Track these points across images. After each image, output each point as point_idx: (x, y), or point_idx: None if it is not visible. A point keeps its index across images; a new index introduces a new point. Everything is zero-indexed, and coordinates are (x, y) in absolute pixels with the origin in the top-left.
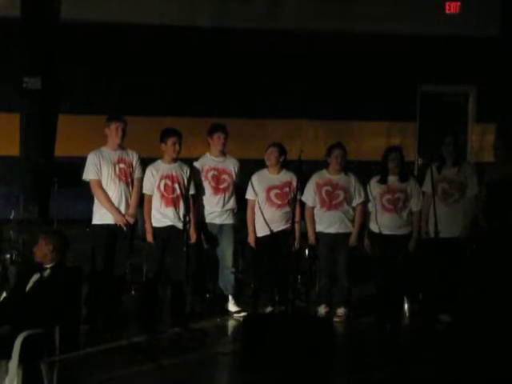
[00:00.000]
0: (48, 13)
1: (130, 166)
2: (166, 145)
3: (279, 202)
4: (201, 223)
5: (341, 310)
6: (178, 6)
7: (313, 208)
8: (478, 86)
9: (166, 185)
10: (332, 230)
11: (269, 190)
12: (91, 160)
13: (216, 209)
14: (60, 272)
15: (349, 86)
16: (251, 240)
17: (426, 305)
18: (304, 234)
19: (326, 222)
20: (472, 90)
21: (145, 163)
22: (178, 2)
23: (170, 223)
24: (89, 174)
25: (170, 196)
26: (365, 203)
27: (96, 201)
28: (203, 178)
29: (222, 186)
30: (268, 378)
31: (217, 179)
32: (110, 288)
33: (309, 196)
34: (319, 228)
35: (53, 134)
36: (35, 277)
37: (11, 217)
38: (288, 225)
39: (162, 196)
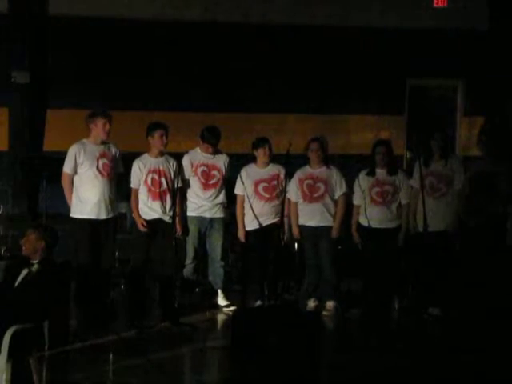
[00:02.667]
0: (36, 7)
1: (112, 160)
2: (153, 138)
3: (267, 196)
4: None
5: (330, 304)
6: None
7: (296, 203)
8: (466, 79)
9: (153, 179)
10: (312, 222)
11: (257, 183)
12: (72, 153)
13: (205, 203)
14: (49, 267)
15: (337, 80)
16: (241, 235)
17: (415, 298)
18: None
19: (307, 215)
20: (460, 84)
21: (132, 158)
22: None
23: (157, 216)
24: (65, 167)
25: (157, 190)
26: (346, 195)
27: (75, 195)
28: (193, 174)
29: (211, 182)
30: (257, 372)
31: (206, 175)
32: (97, 282)
33: (292, 191)
34: (300, 221)
35: (41, 128)
36: (24, 272)
37: (0, 211)
38: (277, 218)
39: (149, 190)
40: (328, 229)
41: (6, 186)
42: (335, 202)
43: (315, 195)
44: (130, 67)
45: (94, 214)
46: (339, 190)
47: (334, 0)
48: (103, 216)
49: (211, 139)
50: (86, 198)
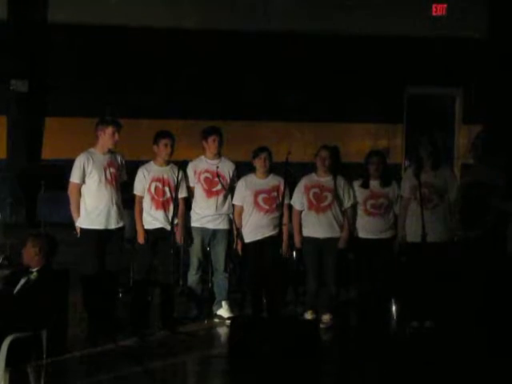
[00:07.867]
0: (36, 15)
1: (118, 169)
2: (157, 147)
3: (267, 207)
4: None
5: (326, 317)
6: (162, 9)
7: (300, 212)
8: (464, 87)
9: (156, 187)
10: (319, 234)
11: (256, 194)
12: (79, 163)
13: (208, 213)
14: (47, 275)
15: (336, 88)
16: (238, 246)
17: (409, 309)
18: (292, 238)
19: (313, 226)
20: (459, 92)
21: (136, 166)
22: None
23: (159, 225)
24: (73, 177)
25: (160, 199)
26: (354, 206)
27: (83, 205)
28: (196, 181)
29: (214, 189)
30: (255, 381)
31: (210, 182)
32: (105, 292)
33: (296, 199)
34: (305, 232)
35: (40, 136)
36: (22, 280)
37: None
38: (276, 231)
39: (153, 198)
40: (334, 240)
41: (4, 195)
42: (343, 212)
43: (322, 204)
44: (129, 75)
45: (104, 224)
46: (347, 201)
47: (334, 8)
48: (112, 226)
49: (213, 131)
50: (95, 207)
